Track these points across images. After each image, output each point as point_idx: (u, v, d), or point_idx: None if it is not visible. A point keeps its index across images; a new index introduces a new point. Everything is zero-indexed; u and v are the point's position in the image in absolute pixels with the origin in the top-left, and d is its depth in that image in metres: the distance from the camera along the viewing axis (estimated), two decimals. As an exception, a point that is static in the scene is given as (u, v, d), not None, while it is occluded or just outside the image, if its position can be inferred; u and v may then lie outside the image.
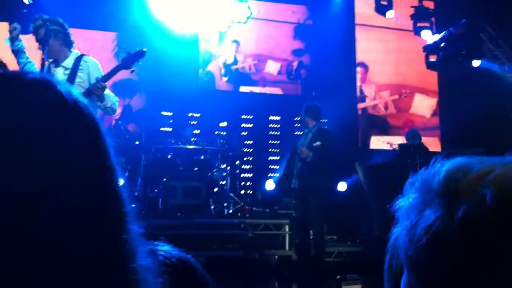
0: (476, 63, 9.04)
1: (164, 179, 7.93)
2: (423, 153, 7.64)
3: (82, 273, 0.64)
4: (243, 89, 10.83)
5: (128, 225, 0.72)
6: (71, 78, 4.68)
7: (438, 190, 0.67)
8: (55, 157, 0.65)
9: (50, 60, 4.79)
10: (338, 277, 1.34)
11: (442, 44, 9.09)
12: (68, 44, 4.80)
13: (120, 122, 8.32)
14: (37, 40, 4.73)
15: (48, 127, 0.67)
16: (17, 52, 4.83)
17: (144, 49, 4.78)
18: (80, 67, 4.73)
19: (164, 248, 1.15)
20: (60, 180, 0.65)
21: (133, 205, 0.77)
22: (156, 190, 8.01)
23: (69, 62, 4.75)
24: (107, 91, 4.72)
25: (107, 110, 4.83)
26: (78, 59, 4.78)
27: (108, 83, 4.71)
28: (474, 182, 0.63)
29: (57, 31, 4.73)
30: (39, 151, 0.65)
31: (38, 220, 0.63)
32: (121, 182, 0.73)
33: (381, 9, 11.18)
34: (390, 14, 11.00)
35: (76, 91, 0.75)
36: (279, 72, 11.15)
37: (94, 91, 4.53)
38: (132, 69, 4.80)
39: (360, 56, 11.68)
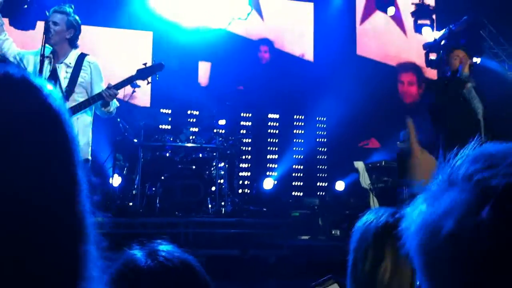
0: (476, 61, 8.97)
1: (162, 177, 7.92)
2: None
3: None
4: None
5: (83, 244, 0.69)
6: (74, 76, 4.68)
7: (464, 177, 0.62)
8: (24, 165, 0.64)
9: (50, 56, 4.73)
10: (312, 284, 1.33)
11: (443, 42, 9.02)
12: (74, 42, 4.79)
13: (119, 119, 8.29)
14: (47, 25, 4.57)
15: (25, 133, 0.64)
16: None
17: (162, 63, 4.77)
18: (83, 67, 4.73)
19: (167, 248, 1.13)
20: (25, 189, 0.63)
21: (95, 218, 0.75)
22: (154, 188, 8.00)
23: (71, 60, 4.73)
24: None
25: (106, 114, 4.81)
26: (81, 58, 4.77)
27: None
28: (505, 172, 0.60)
29: (74, 25, 4.72)
30: (12, 158, 0.63)
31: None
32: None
33: (382, 6, 11.09)
34: (391, 10, 10.92)
35: (58, 95, 0.73)
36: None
37: (106, 97, 4.52)
38: (148, 82, 4.79)
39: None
